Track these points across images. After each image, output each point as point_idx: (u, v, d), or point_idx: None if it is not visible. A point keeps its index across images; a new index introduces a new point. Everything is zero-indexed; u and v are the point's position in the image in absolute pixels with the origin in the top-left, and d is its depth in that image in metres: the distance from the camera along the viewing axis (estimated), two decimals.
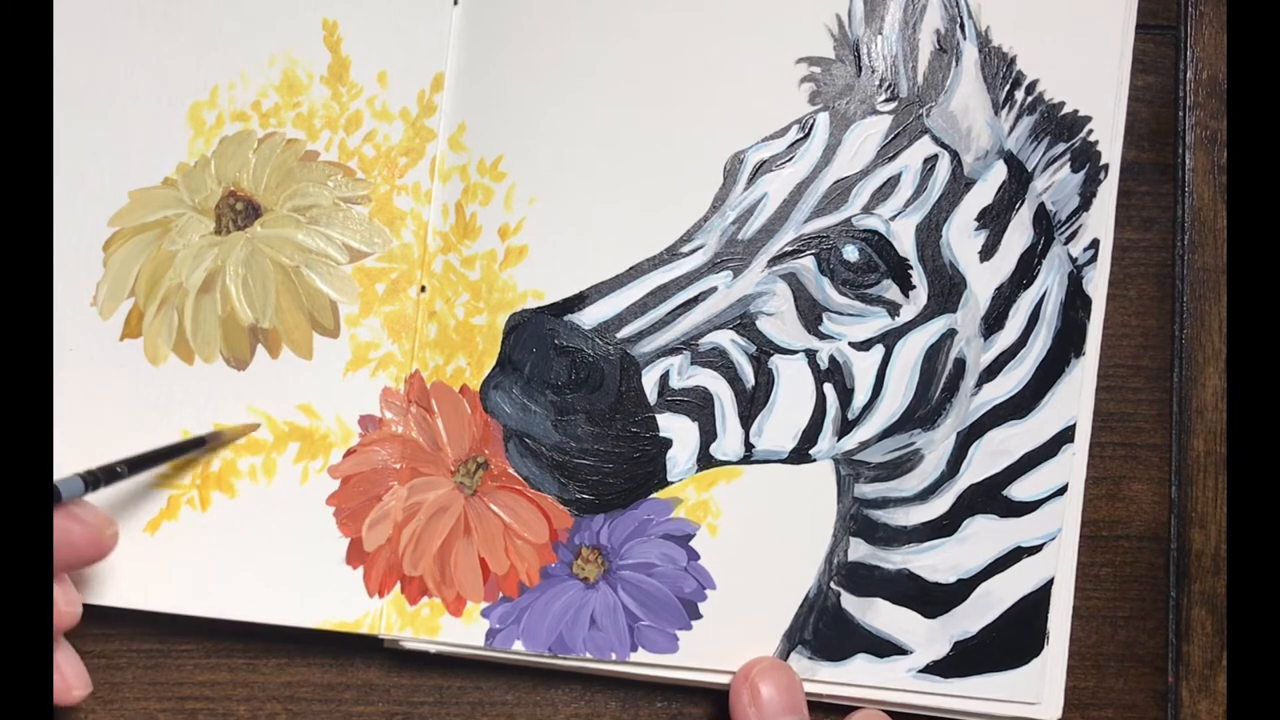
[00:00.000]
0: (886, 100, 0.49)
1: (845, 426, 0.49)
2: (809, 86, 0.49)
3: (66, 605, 0.42)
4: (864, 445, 0.49)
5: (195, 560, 0.48)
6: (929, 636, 0.49)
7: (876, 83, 0.49)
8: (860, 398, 0.49)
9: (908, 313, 0.49)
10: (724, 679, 0.49)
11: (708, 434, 0.48)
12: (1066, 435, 0.50)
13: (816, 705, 0.50)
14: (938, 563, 0.50)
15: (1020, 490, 0.50)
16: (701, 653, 0.49)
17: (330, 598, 0.48)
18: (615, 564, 0.49)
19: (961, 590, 0.50)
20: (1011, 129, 0.50)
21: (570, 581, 0.49)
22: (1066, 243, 0.50)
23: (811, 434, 0.49)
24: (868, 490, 0.50)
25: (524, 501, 0.49)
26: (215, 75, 0.50)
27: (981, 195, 0.49)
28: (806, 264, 0.49)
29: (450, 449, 0.49)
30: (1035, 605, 0.49)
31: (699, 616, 0.49)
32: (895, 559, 0.50)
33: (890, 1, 0.49)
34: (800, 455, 0.49)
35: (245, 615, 0.48)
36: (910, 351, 0.49)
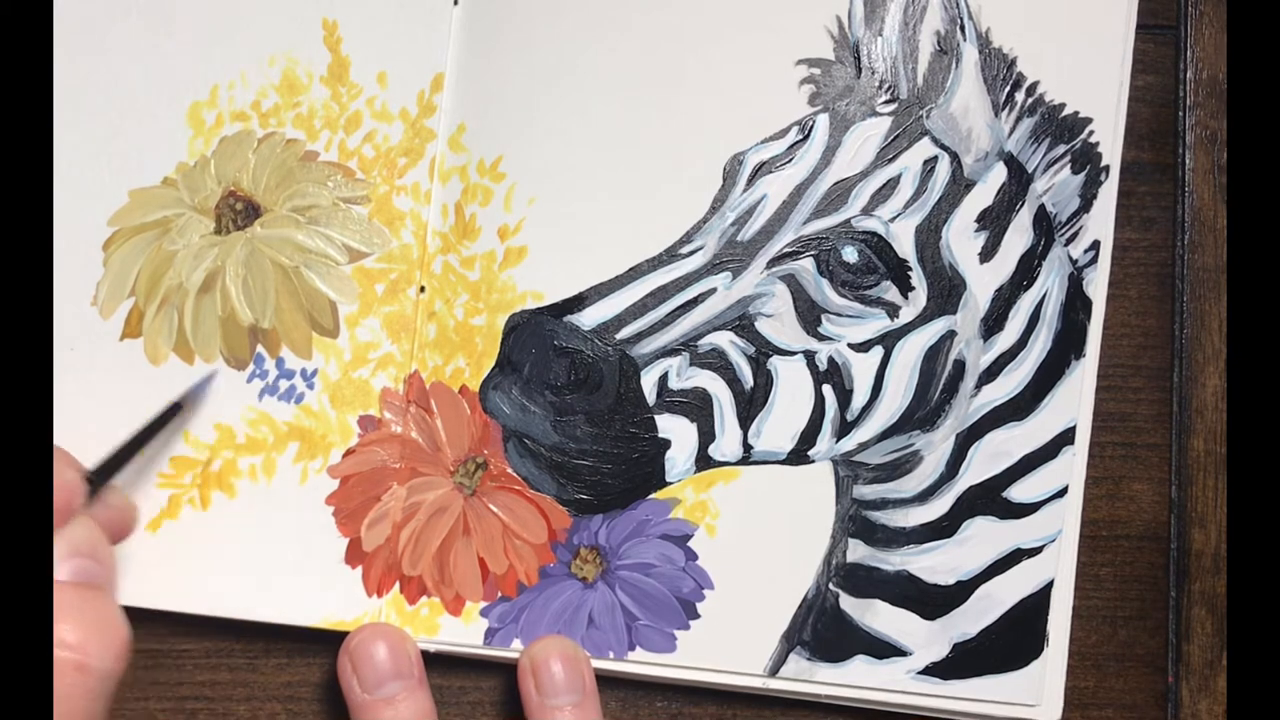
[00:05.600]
0: (886, 102, 0.49)
1: (844, 428, 0.49)
2: (809, 88, 0.49)
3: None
4: (863, 446, 0.49)
5: (195, 559, 0.49)
6: (928, 638, 0.49)
7: (876, 84, 0.49)
8: (859, 399, 0.49)
9: (907, 314, 0.49)
10: (724, 679, 0.49)
11: (706, 435, 0.48)
12: (1067, 437, 0.50)
13: (815, 706, 0.50)
14: (937, 564, 0.50)
15: (1020, 492, 0.50)
16: (700, 653, 0.49)
17: (329, 597, 0.49)
18: (613, 564, 0.49)
19: (961, 592, 0.49)
20: (1012, 130, 0.49)
21: (569, 581, 0.49)
22: (1067, 244, 0.50)
23: (810, 435, 0.49)
24: (866, 491, 0.50)
25: (523, 502, 0.49)
26: (215, 75, 0.50)
27: (981, 197, 0.49)
28: (806, 265, 0.49)
29: (449, 449, 0.49)
30: (1035, 607, 0.49)
31: (697, 616, 0.49)
32: (894, 560, 0.50)
33: (890, 3, 0.49)
34: (799, 456, 0.49)
35: (245, 614, 0.48)
36: (909, 353, 0.49)
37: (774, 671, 0.49)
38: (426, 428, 0.49)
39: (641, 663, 0.49)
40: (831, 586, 0.49)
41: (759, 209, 0.49)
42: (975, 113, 0.49)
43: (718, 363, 0.48)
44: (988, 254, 0.49)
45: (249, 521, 0.49)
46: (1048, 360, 0.50)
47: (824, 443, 0.49)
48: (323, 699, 0.50)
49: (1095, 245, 0.50)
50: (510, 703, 0.50)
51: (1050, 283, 0.50)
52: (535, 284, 0.49)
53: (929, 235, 0.49)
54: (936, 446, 0.49)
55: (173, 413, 0.48)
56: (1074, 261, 0.50)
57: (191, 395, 0.48)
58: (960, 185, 0.49)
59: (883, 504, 0.50)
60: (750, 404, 0.48)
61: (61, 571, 0.41)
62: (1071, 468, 0.50)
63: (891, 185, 0.49)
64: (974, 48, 0.49)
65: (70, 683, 0.39)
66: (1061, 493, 0.50)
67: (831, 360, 0.49)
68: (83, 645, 0.39)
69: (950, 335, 0.49)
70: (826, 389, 0.49)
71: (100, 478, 0.44)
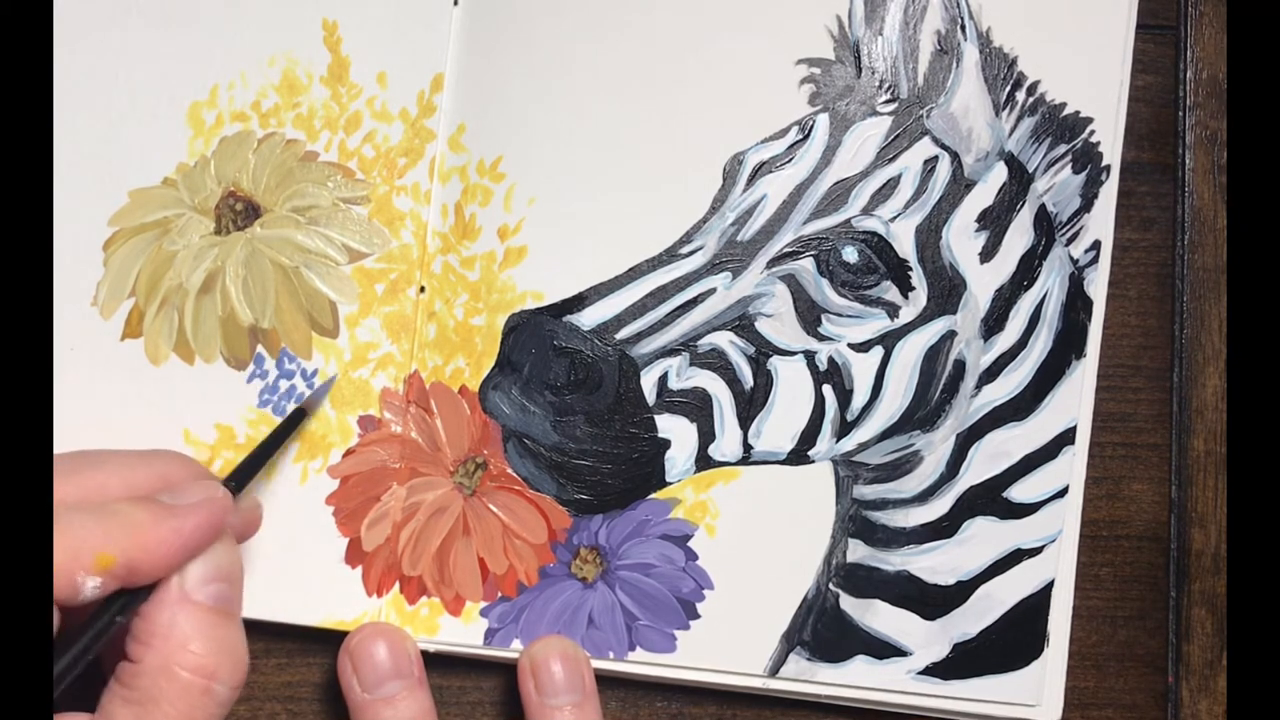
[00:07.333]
0: (887, 101, 0.49)
1: (844, 428, 0.49)
2: (809, 87, 0.49)
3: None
4: (863, 447, 0.49)
5: None
6: (928, 638, 0.49)
7: (876, 84, 0.49)
8: (859, 399, 0.49)
9: (907, 314, 0.49)
10: (724, 679, 0.49)
11: (706, 435, 0.48)
12: (1067, 437, 0.50)
13: (815, 706, 0.50)
14: (937, 564, 0.50)
15: (1020, 492, 0.50)
16: (700, 653, 0.49)
17: (329, 597, 0.49)
18: (613, 564, 0.49)
19: (961, 592, 0.49)
20: (1012, 130, 0.49)
21: (569, 581, 0.49)
22: (1068, 244, 0.50)
23: (810, 435, 0.49)
24: (867, 491, 0.50)
25: (523, 502, 0.49)
26: (215, 75, 0.50)
27: (982, 197, 0.49)
28: (806, 265, 0.49)
29: (449, 449, 0.49)
30: (1035, 608, 0.49)
31: (697, 617, 0.49)
32: (894, 560, 0.50)
33: (890, 2, 0.49)
34: (799, 456, 0.49)
35: (244, 614, 0.48)
36: (909, 353, 0.49)
37: (774, 671, 0.49)
38: (426, 428, 0.49)
39: (641, 663, 0.49)
40: (831, 586, 0.49)
41: (759, 209, 0.49)
42: (976, 112, 0.49)
43: (718, 363, 0.48)
44: (988, 254, 0.49)
45: None
46: (1048, 360, 0.50)
47: (824, 443, 0.49)
48: (323, 699, 0.50)
49: (1096, 245, 0.50)
50: (510, 703, 0.50)
51: (1051, 283, 0.50)
52: (535, 284, 0.49)
53: (929, 235, 0.49)
54: (937, 447, 0.49)
55: (298, 417, 0.48)
56: (1075, 261, 0.50)
57: (314, 399, 0.49)
58: (961, 185, 0.49)
59: (883, 504, 0.50)
60: (750, 404, 0.48)
61: (202, 594, 0.41)
62: (1071, 468, 0.50)
63: (892, 185, 0.49)
64: (974, 47, 0.49)
65: (194, 705, 0.40)
66: (1062, 493, 0.50)
67: (831, 360, 0.49)
68: (214, 671, 0.40)
69: (950, 335, 0.49)
70: (826, 389, 0.49)
71: (237, 486, 0.45)
